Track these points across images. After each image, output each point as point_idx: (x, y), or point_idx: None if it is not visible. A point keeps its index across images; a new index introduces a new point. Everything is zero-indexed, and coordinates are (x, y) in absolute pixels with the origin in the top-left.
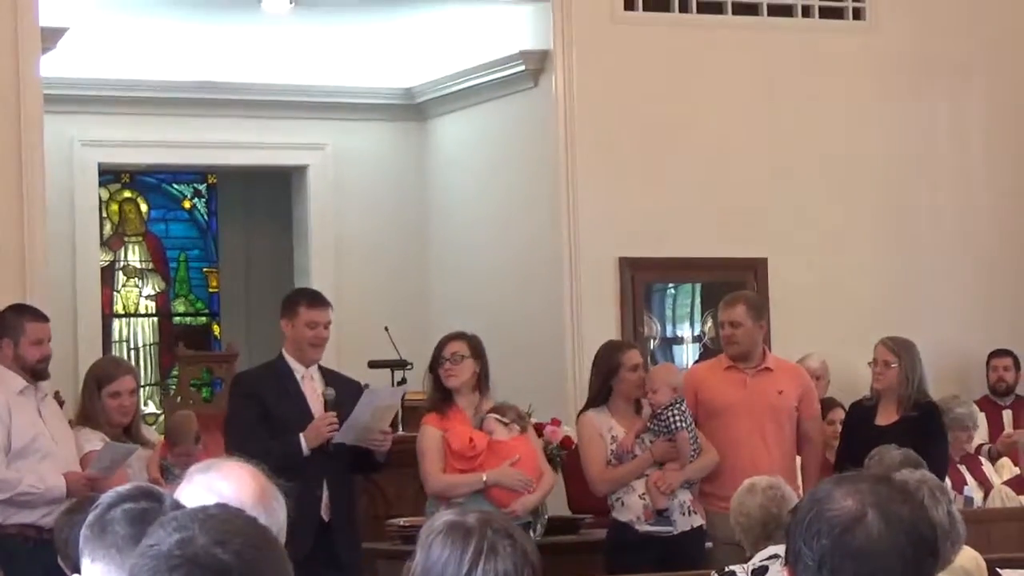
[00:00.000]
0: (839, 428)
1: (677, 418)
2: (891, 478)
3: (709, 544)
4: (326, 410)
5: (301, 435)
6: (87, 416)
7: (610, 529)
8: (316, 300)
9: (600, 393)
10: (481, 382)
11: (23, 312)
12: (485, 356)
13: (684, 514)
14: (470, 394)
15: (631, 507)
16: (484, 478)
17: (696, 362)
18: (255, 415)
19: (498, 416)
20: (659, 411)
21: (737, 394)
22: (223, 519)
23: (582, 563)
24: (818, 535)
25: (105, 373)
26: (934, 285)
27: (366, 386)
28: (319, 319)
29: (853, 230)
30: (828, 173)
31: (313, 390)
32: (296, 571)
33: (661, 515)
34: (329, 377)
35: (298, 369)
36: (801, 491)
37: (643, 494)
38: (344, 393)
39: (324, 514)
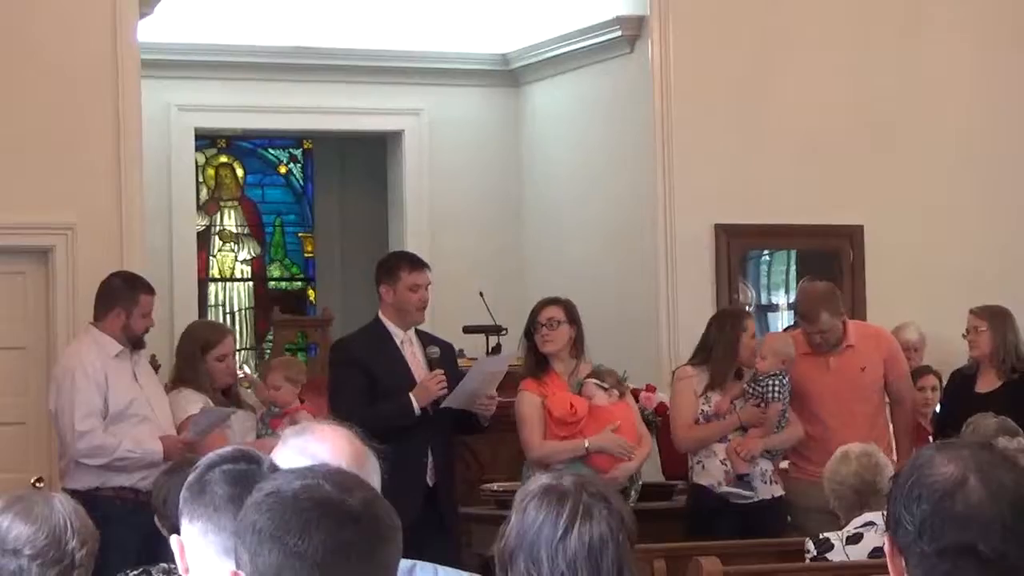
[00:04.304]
0: (929, 395)
1: (776, 389)
2: (993, 445)
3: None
4: (431, 369)
5: (411, 394)
6: (184, 379)
7: (690, 494)
8: (416, 263)
9: (726, 354)
10: (577, 346)
11: (137, 284)
12: (580, 321)
13: (765, 482)
14: (567, 359)
15: (712, 471)
16: (586, 444)
17: (787, 329)
18: (362, 381)
19: (598, 381)
20: (761, 377)
21: (822, 379)
22: (342, 473)
23: (676, 528)
24: (918, 500)
25: (207, 338)
26: None
27: (461, 351)
28: (421, 281)
29: (952, 197)
30: (927, 139)
31: (413, 354)
32: (405, 535)
33: (741, 479)
34: (426, 339)
35: (397, 333)
36: (895, 455)
37: (724, 459)
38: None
39: (429, 479)
